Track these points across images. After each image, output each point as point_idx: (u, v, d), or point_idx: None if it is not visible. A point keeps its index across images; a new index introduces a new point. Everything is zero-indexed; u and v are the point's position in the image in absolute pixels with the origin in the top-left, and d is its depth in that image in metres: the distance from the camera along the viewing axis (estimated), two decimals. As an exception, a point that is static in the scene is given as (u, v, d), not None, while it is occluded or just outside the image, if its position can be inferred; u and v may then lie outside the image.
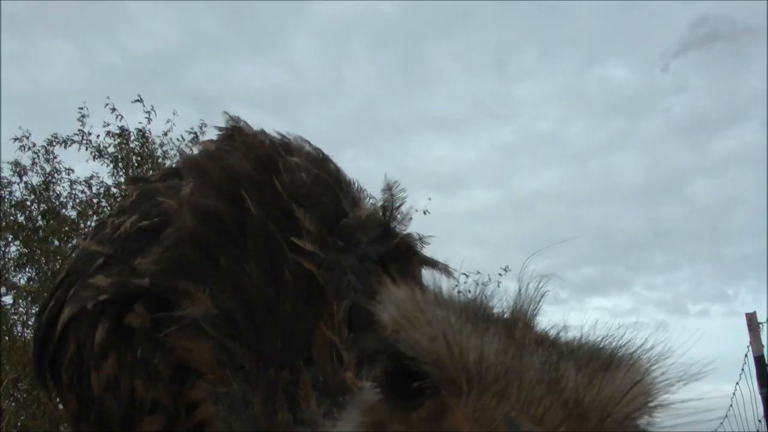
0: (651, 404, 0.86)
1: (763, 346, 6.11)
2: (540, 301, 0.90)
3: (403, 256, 2.64)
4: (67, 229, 12.59)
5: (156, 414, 2.49)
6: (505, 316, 0.89)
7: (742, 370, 6.81)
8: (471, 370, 0.81)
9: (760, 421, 6.46)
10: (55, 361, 2.81)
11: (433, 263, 2.65)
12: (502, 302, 0.90)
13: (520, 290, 0.90)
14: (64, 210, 13.47)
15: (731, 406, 8.00)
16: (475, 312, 0.86)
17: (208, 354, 2.31)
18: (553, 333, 0.90)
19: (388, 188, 2.74)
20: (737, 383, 7.31)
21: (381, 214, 2.67)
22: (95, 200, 13.35)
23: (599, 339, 0.88)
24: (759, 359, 6.13)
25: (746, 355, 6.40)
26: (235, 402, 2.27)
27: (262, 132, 2.88)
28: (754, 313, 6.17)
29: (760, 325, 6.11)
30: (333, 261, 2.43)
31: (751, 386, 6.55)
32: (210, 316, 2.32)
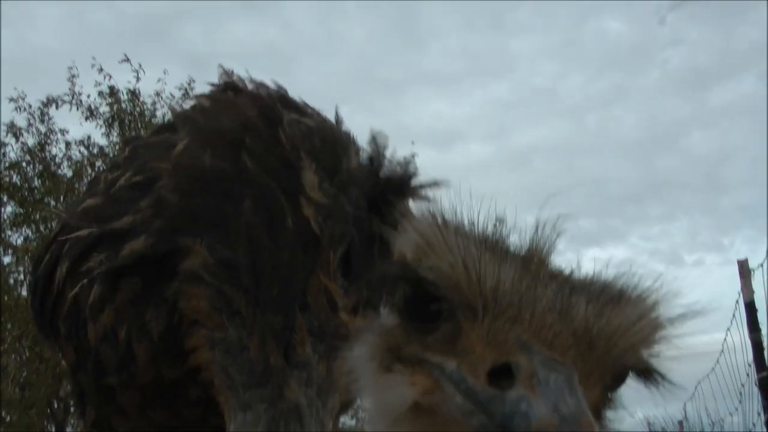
0: (655, 337, 0.91)
1: (753, 292, 6.15)
2: (556, 239, 0.94)
3: (395, 196, 2.69)
4: (63, 188, 12.59)
5: (148, 364, 2.54)
6: (522, 251, 0.93)
7: (733, 316, 6.89)
8: (487, 295, 0.85)
9: (749, 365, 6.56)
10: (54, 313, 2.86)
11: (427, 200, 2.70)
12: (519, 238, 0.94)
13: (536, 228, 0.94)
14: (59, 171, 13.46)
15: (722, 352, 8.12)
16: (493, 243, 0.91)
17: (205, 301, 2.35)
18: (566, 270, 0.94)
19: (373, 139, 2.77)
20: (728, 329, 7.41)
21: (371, 163, 2.70)
22: (91, 160, 13.33)
23: (611, 276, 0.93)
24: (749, 305, 6.18)
25: (737, 302, 6.47)
26: (231, 347, 2.32)
27: (262, 84, 2.89)
28: (746, 259, 6.20)
29: (752, 272, 6.15)
30: (331, 210, 2.47)
31: (741, 332, 6.63)
32: (207, 265, 2.36)
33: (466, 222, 0.94)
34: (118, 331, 2.52)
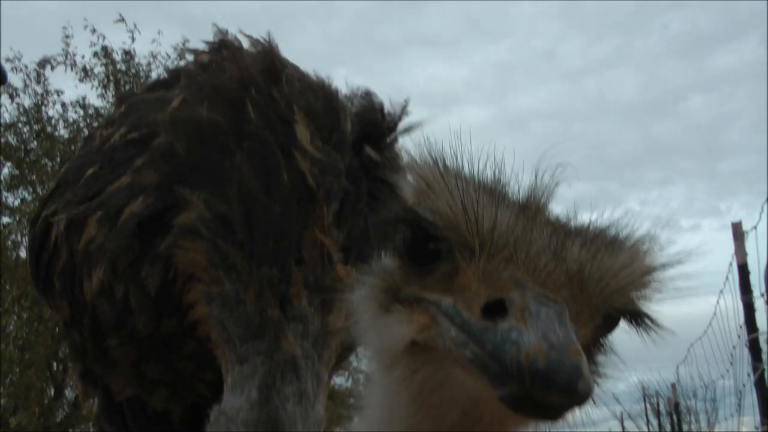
0: (645, 280, 0.94)
1: (747, 254, 6.20)
2: (554, 188, 0.97)
3: (390, 144, 2.71)
4: (60, 150, 12.54)
5: (146, 319, 2.57)
6: (520, 197, 0.96)
7: (726, 278, 6.95)
8: (484, 235, 0.89)
9: (741, 327, 6.64)
10: (49, 269, 2.88)
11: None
12: (518, 186, 0.97)
13: (535, 177, 0.96)
14: (56, 132, 13.39)
15: (714, 314, 8.20)
16: (492, 188, 0.94)
17: (201, 255, 2.38)
18: (563, 217, 0.97)
19: (367, 95, 2.78)
20: (721, 291, 7.48)
21: (364, 119, 2.72)
22: (87, 121, 13.25)
23: (606, 223, 0.96)
24: (742, 267, 6.24)
25: (731, 264, 6.53)
26: (228, 301, 2.35)
27: (258, 42, 2.88)
28: (740, 222, 6.25)
29: (745, 234, 6.19)
30: (325, 165, 2.48)
31: (734, 296, 6.69)
32: (203, 219, 2.38)
33: (465, 167, 0.96)
34: (114, 287, 2.55)
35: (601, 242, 0.92)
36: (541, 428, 0.96)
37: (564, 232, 0.92)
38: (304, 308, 2.34)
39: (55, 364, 12.24)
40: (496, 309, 0.82)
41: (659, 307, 0.98)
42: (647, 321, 0.99)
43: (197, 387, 2.82)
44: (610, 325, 0.97)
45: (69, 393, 12.64)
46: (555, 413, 0.76)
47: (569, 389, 0.73)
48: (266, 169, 2.42)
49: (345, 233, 2.47)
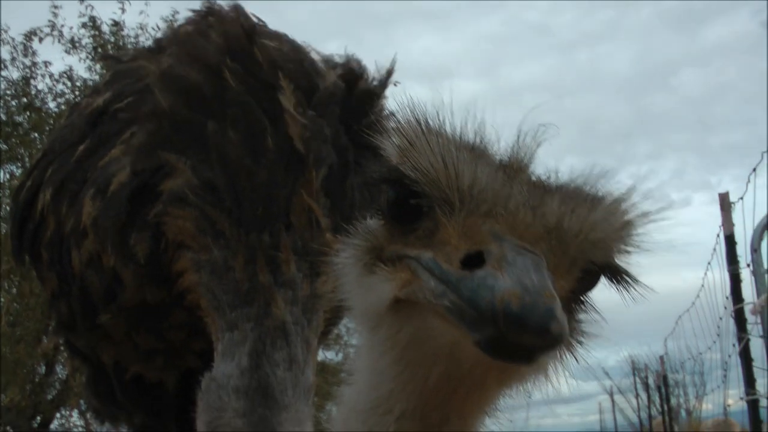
0: (624, 235, 0.97)
1: (734, 225, 6.21)
2: (536, 148, 0.98)
3: (372, 107, 2.71)
4: (48, 123, 12.42)
5: (135, 288, 2.57)
6: (502, 156, 0.98)
7: (714, 249, 6.98)
8: (464, 191, 0.91)
9: (727, 298, 6.67)
10: (35, 239, 2.87)
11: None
12: (500, 146, 0.99)
13: (517, 137, 0.98)
14: (45, 105, 13.24)
15: (702, 286, 8.26)
16: (473, 146, 0.97)
17: (190, 222, 2.38)
18: (544, 177, 0.99)
19: (351, 59, 2.77)
20: (709, 263, 7.52)
21: (349, 84, 2.71)
22: (75, 93, 13.10)
23: (585, 180, 0.98)
24: (729, 238, 6.25)
25: (718, 235, 6.54)
26: (216, 268, 2.36)
27: (242, 9, 2.86)
28: (727, 193, 6.23)
29: (732, 205, 6.19)
30: (313, 130, 2.48)
31: (722, 268, 6.72)
32: (191, 186, 2.39)
33: (447, 126, 0.98)
34: (102, 257, 2.55)
35: (580, 197, 0.95)
36: (520, 382, 0.99)
37: (544, 188, 0.95)
38: (293, 274, 2.35)
39: (45, 339, 12.21)
40: (474, 261, 0.84)
41: (638, 262, 1.00)
42: (626, 277, 1.01)
43: (188, 357, 2.84)
44: (590, 281, 0.99)
45: (60, 370, 12.64)
46: (530, 356, 0.78)
47: (543, 330, 0.75)
48: (251, 134, 2.43)
49: (332, 199, 2.48)
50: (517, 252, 0.83)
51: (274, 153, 2.42)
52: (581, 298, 1.00)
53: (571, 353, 1.00)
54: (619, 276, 1.01)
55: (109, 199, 2.48)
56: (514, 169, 0.96)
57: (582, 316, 1.02)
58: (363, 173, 2.20)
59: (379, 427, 0.98)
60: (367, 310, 0.97)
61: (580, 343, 1.01)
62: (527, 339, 0.76)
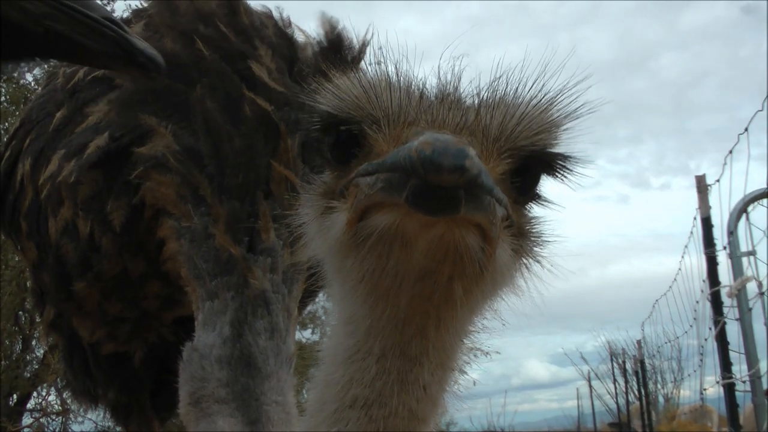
0: (547, 122, 1.04)
1: (710, 207, 6.25)
2: (460, 79, 1.07)
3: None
4: (24, 95, 12.23)
5: (112, 257, 2.55)
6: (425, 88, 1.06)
7: (691, 233, 7.03)
8: (387, 108, 1.00)
9: (704, 281, 6.73)
10: (14, 209, 2.83)
11: None
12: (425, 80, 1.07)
13: (439, 70, 1.07)
14: (23, 81, 13.03)
15: (680, 269, 8.33)
16: (396, 78, 1.06)
17: (171, 188, 2.36)
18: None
19: (327, 23, 2.74)
20: (686, 246, 7.58)
21: (323, 49, 2.69)
22: (54, 70, 12.88)
23: (508, 86, 1.05)
24: (705, 220, 6.29)
25: (695, 218, 6.59)
26: (197, 236, 2.35)
27: None
28: (704, 175, 6.26)
29: (708, 188, 6.23)
30: (287, 99, 2.46)
31: (699, 252, 6.77)
32: (172, 151, 2.36)
33: (380, 71, 1.08)
34: (78, 225, 2.52)
35: (503, 100, 1.03)
36: (487, 294, 1.03)
37: (466, 100, 1.04)
38: (273, 241, 2.34)
39: (22, 314, 12.09)
40: None
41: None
42: (558, 161, 1.08)
43: (158, 327, 2.82)
44: (528, 172, 1.05)
45: (37, 349, 12.53)
46: (454, 199, 0.84)
47: (458, 167, 0.81)
48: (229, 102, 2.41)
49: (312, 167, 2.47)
50: (435, 131, 0.91)
51: (252, 121, 2.40)
52: (525, 189, 1.06)
53: (529, 253, 1.05)
54: (552, 163, 1.08)
55: (83, 161, 2.45)
56: (440, 92, 1.05)
57: (534, 207, 1.09)
58: (306, 134, 2.22)
59: (361, 373, 1.02)
60: (330, 247, 1.02)
61: (536, 242, 1.06)
62: (446, 177, 0.82)
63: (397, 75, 1.06)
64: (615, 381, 18.31)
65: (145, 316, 2.77)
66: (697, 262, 7.09)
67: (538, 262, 1.07)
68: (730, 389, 6.13)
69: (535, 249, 1.06)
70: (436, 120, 0.98)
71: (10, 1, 1.04)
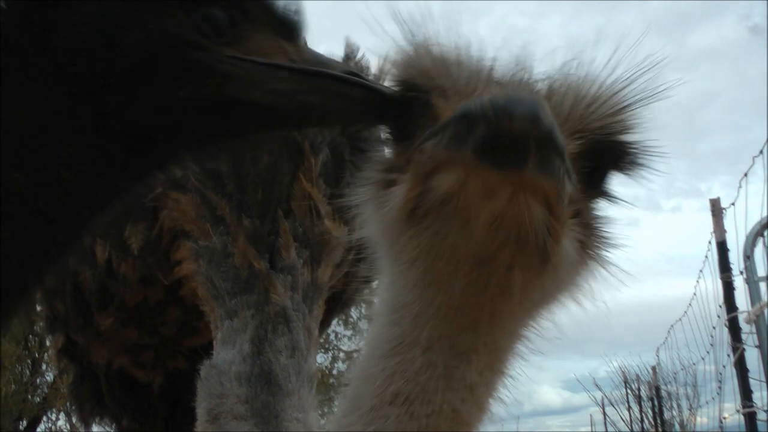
0: (619, 110, 0.99)
1: (725, 231, 6.15)
2: (529, 57, 1.02)
3: None
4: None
5: (133, 285, 2.52)
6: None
7: (706, 257, 6.92)
8: (456, 81, 0.97)
9: (720, 306, 6.62)
10: None
11: None
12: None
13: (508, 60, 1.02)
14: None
15: (695, 294, 8.20)
16: (465, 52, 1.02)
17: (190, 207, 2.34)
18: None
19: (349, 47, 2.74)
20: (701, 270, 7.46)
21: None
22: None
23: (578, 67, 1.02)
24: (721, 244, 6.18)
25: (710, 242, 6.49)
26: (216, 255, 2.33)
27: None
28: (718, 198, 6.17)
29: (723, 211, 6.13)
30: None
31: (714, 276, 6.66)
32: (191, 172, 2.35)
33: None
34: (96, 252, 2.50)
35: (573, 77, 1.00)
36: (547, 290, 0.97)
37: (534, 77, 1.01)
38: (293, 259, 2.32)
39: (31, 338, 12.10)
40: None
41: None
42: (631, 149, 1.02)
43: (177, 355, 2.79)
44: (598, 161, 1.00)
45: (46, 373, 12.50)
46: (522, 148, 0.78)
47: (532, 115, 0.76)
48: None
49: (331, 187, 2.45)
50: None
51: (276, 139, 2.40)
52: (597, 184, 1.01)
53: (595, 253, 0.99)
54: (625, 153, 1.02)
55: None
56: (511, 69, 1.00)
57: (600, 203, 1.02)
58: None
59: (405, 365, 0.95)
60: (386, 223, 0.97)
61: (604, 243, 1.00)
62: (518, 125, 0.76)
63: (467, 50, 1.01)
64: (629, 407, 18.05)
65: (165, 343, 2.74)
66: (712, 286, 7.00)
67: (605, 267, 1.00)
68: (751, 418, 6.00)
69: (602, 251, 0.99)
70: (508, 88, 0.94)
71: (259, 86, 1.03)
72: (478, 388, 0.96)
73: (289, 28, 1.10)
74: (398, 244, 0.96)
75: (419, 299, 0.96)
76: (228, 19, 1.02)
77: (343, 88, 1.08)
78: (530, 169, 0.78)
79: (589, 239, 0.96)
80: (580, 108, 0.95)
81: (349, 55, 2.74)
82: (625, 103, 0.99)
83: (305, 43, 1.13)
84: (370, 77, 2.69)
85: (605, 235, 1.00)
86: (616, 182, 1.05)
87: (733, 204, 6.02)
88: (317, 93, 1.07)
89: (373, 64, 2.81)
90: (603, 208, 1.03)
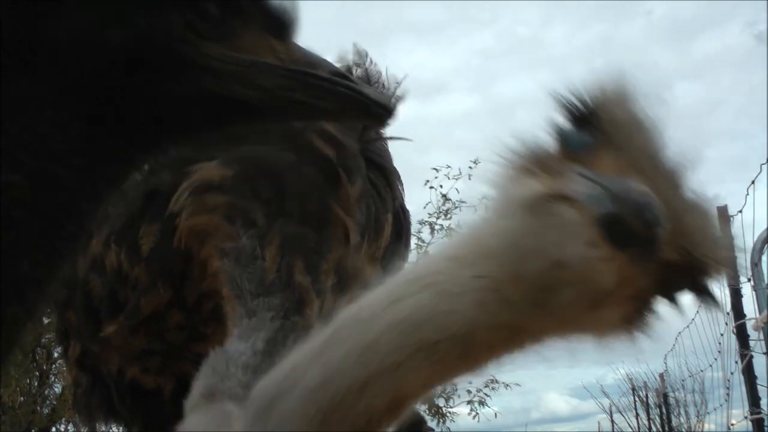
0: (718, 246, 1.08)
1: (734, 238, 6.11)
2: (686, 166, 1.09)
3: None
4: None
5: (148, 289, 2.48)
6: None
7: (713, 266, 6.88)
8: (631, 143, 1.05)
9: (728, 313, 6.59)
10: None
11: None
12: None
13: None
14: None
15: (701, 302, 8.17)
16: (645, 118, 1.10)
17: (218, 211, 2.29)
18: None
19: (360, 57, 2.74)
20: (708, 280, 7.40)
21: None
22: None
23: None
24: (729, 252, 6.18)
25: (718, 251, 6.45)
26: (243, 255, 2.26)
27: None
28: (725, 206, 6.12)
29: (731, 219, 6.11)
30: (342, 143, 2.42)
31: (721, 285, 6.62)
32: (225, 178, 2.30)
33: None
34: (106, 258, 2.47)
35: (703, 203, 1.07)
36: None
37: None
38: (328, 285, 2.27)
39: (39, 350, 12.08)
40: None
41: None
42: (708, 287, 1.10)
43: (186, 360, 2.75)
44: (681, 276, 1.05)
45: (54, 384, 12.47)
46: (634, 241, 0.94)
47: (652, 222, 0.94)
48: (289, 138, 2.37)
49: (360, 217, 2.42)
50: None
51: (312, 156, 2.36)
52: (668, 284, 1.06)
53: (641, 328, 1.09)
54: (703, 283, 1.09)
55: (123, 195, 2.42)
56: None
57: (658, 306, 1.09)
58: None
59: (464, 286, 1.03)
60: (510, 197, 1.05)
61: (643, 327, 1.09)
62: (637, 224, 0.94)
63: (654, 126, 1.10)
64: (637, 415, 17.94)
65: (172, 349, 2.70)
66: (720, 293, 6.96)
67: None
68: (759, 425, 6.01)
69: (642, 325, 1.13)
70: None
71: (244, 81, 1.05)
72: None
73: (281, 27, 1.13)
74: (510, 213, 1.04)
75: (504, 261, 1.03)
76: (220, 16, 1.04)
77: (327, 86, 1.11)
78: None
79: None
80: (696, 231, 1.03)
81: (357, 61, 2.74)
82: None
83: (296, 42, 1.16)
84: (378, 84, 2.70)
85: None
86: None
87: (740, 211, 6.02)
88: (300, 91, 1.10)
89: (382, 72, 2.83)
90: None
